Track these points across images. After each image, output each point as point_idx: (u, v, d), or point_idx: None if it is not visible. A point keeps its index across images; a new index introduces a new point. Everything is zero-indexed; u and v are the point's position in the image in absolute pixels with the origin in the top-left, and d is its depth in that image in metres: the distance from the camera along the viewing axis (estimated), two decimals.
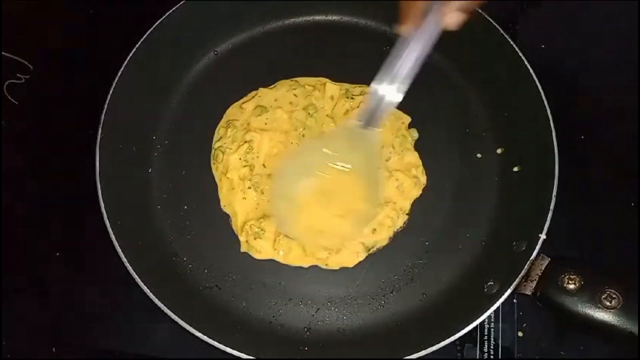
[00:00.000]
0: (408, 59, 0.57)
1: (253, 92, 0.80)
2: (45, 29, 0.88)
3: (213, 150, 0.77)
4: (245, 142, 0.75)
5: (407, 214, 0.73)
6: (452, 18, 0.55)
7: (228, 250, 0.72)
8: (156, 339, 0.70)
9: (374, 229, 0.72)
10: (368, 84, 0.78)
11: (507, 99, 0.76)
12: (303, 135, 0.77)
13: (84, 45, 0.86)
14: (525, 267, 0.61)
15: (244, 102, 0.79)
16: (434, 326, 0.65)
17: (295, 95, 0.79)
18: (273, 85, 0.80)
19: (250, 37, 0.84)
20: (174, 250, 0.72)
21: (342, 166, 0.66)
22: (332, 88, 0.79)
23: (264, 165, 0.75)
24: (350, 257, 0.71)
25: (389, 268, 0.71)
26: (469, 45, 0.76)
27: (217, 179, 0.75)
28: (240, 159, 0.75)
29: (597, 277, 0.58)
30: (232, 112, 0.79)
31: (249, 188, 0.73)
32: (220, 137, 0.77)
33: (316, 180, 0.67)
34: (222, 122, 0.79)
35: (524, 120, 0.73)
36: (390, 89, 0.59)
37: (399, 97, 0.59)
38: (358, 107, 0.77)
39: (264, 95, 0.79)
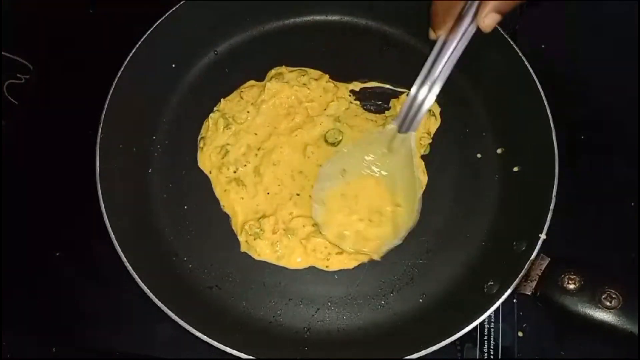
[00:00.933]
0: (446, 63, 0.58)
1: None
2: (45, 29, 0.88)
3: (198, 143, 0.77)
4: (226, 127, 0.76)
5: None
6: (488, 20, 0.56)
7: (228, 250, 0.72)
8: (156, 339, 0.70)
9: None
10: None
11: (507, 99, 0.76)
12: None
13: (84, 45, 0.86)
14: (525, 267, 0.61)
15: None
16: (434, 326, 0.65)
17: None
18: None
19: (250, 37, 0.84)
20: (174, 250, 0.72)
21: (376, 171, 0.68)
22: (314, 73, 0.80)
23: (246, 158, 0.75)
24: (351, 258, 0.71)
25: (389, 268, 0.71)
26: (469, 45, 0.76)
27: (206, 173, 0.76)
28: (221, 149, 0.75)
29: (597, 277, 0.58)
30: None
31: (232, 181, 0.74)
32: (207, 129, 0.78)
33: (347, 186, 0.68)
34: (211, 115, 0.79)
35: (524, 120, 0.73)
36: (428, 93, 0.61)
37: (433, 99, 0.61)
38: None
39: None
